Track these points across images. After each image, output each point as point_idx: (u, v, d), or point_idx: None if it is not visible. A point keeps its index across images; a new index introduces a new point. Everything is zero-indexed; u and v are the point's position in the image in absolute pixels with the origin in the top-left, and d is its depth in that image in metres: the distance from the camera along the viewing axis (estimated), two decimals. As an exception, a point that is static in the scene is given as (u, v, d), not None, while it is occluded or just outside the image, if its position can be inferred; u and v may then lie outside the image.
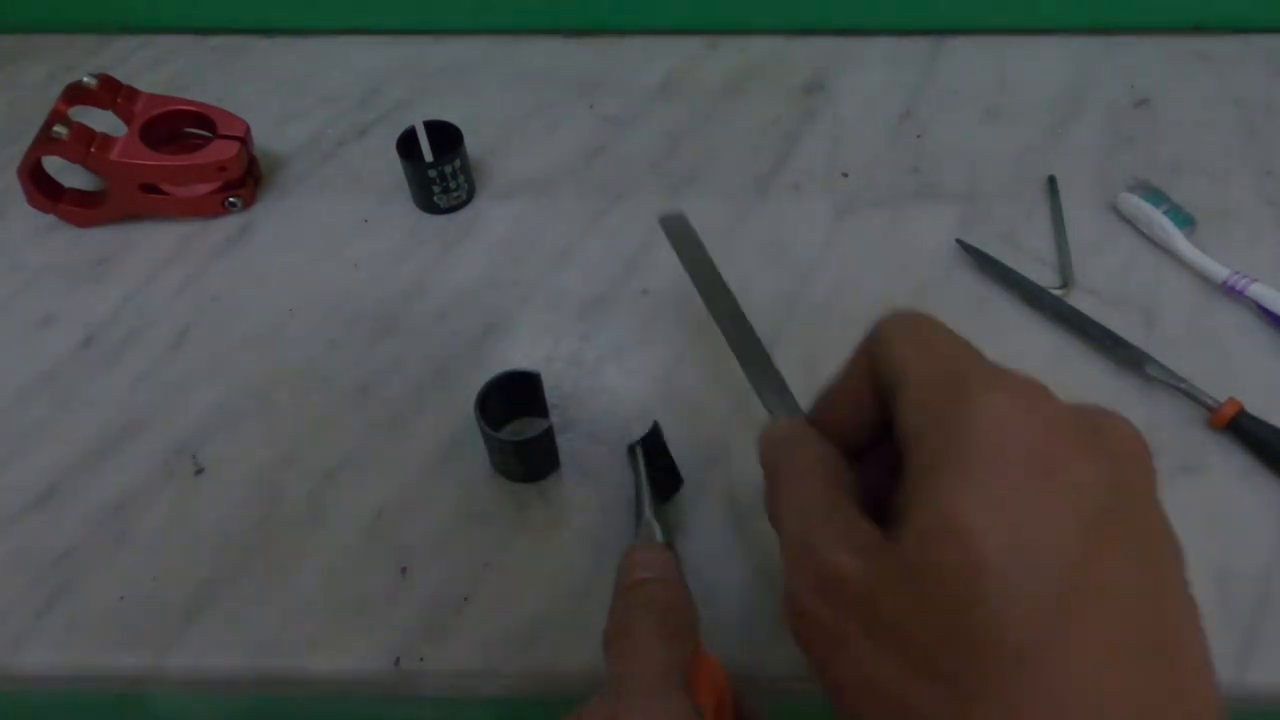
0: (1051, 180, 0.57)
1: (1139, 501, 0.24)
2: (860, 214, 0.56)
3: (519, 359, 0.49)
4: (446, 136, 0.56)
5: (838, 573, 0.25)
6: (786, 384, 0.36)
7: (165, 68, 0.66)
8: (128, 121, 0.55)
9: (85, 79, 0.55)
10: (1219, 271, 0.50)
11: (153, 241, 0.55)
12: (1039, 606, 0.21)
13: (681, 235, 0.43)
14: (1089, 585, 0.22)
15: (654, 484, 0.42)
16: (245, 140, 0.56)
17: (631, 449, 0.43)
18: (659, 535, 0.39)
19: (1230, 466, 0.44)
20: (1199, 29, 0.66)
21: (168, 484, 0.45)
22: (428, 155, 0.56)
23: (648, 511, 0.40)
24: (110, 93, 0.56)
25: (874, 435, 0.29)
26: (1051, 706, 0.21)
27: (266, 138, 0.60)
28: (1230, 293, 0.50)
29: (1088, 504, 0.22)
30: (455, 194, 0.56)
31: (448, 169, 0.54)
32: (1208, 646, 0.23)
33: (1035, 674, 0.21)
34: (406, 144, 0.55)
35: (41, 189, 0.55)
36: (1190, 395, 0.46)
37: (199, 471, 0.45)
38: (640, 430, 0.44)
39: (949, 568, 0.22)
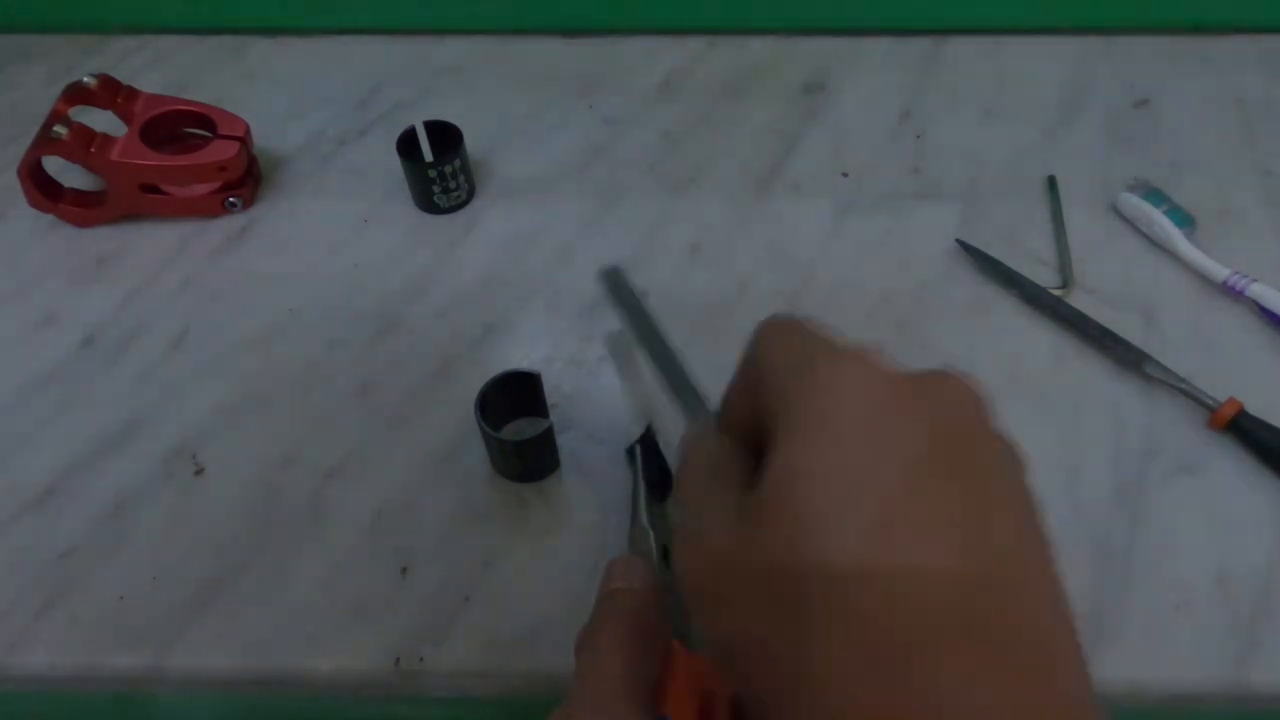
0: (1051, 180, 0.57)
1: (963, 443, 0.26)
2: (860, 214, 0.56)
3: (519, 359, 0.49)
4: (446, 136, 0.56)
5: (704, 534, 0.28)
6: (699, 391, 0.38)
7: (165, 68, 0.66)
8: (128, 121, 0.55)
9: (85, 79, 0.55)
10: (1219, 271, 0.50)
11: (153, 241, 0.55)
12: (860, 535, 0.24)
13: (618, 288, 0.45)
14: (908, 516, 0.24)
15: (650, 486, 0.41)
16: (245, 140, 0.56)
17: (630, 450, 0.43)
18: (652, 541, 0.39)
19: (1230, 466, 0.44)
20: (1199, 29, 0.66)
21: (168, 484, 0.45)
22: (428, 155, 0.56)
23: (643, 517, 0.40)
24: (110, 93, 0.56)
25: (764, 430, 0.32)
26: (876, 622, 0.23)
27: (266, 138, 0.60)
28: (1230, 293, 0.50)
29: (907, 448, 0.25)
30: (455, 194, 0.56)
31: (448, 169, 0.54)
32: (1045, 567, 0.25)
33: (859, 593, 0.23)
34: (406, 144, 0.55)
35: (41, 189, 0.55)
36: (1190, 395, 0.46)
37: (199, 471, 0.45)
38: (637, 431, 0.44)
39: (785, 510, 0.25)
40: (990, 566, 0.24)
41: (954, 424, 0.26)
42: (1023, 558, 0.25)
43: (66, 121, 0.53)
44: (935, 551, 0.24)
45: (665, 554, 0.39)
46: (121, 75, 0.57)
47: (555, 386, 0.48)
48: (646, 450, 0.43)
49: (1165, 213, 0.53)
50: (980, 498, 0.25)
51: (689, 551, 0.29)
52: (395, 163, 0.55)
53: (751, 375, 0.31)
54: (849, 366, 0.27)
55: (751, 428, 0.31)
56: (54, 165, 0.54)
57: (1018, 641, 0.24)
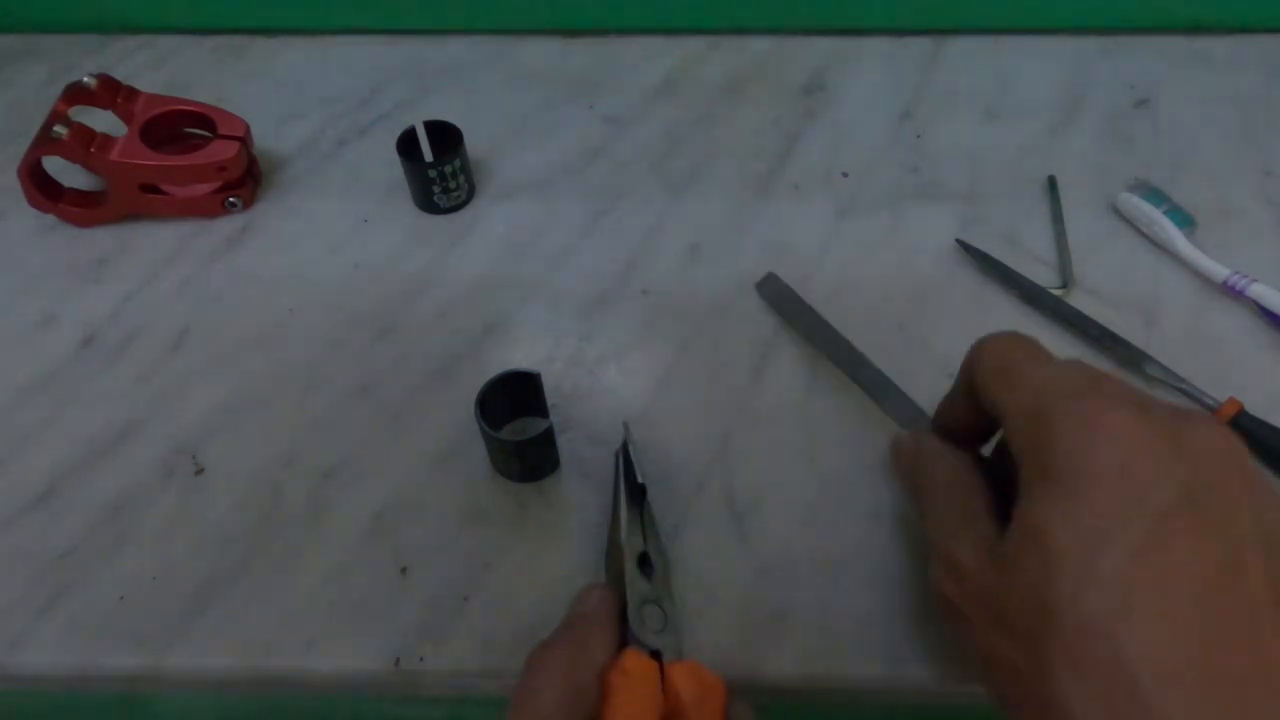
0: (1051, 180, 0.57)
1: (1215, 496, 0.27)
2: (860, 214, 0.56)
3: (519, 359, 0.49)
4: (446, 136, 0.56)
5: (962, 567, 0.31)
6: (905, 394, 0.44)
7: (165, 68, 0.66)
8: (128, 121, 0.55)
9: (85, 79, 0.55)
10: (1219, 271, 0.50)
11: (153, 241, 0.55)
12: (1103, 586, 0.26)
13: (780, 295, 0.50)
14: (1152, 570, 0.26)
15: (628, 492, 0.41)
16: (245, 140, 0.56)
17: (618, 453, 0.43)
18: (625, 558, 0.38)
19: (1230, 466, 0.44)
20: (1199, 29, 0.66)
21: (168, 484, 0.45)
22: (428, 155, 0.56)
23: (621, 532, 0.39)
24: (110, 93, 0.56)
25: (989, 432, 0.36)
26: (1111, 667, 0.25)
27: (266, 138, 0.60)
28: (1230, 293, 0.50)
29: (1157, 499, 0.27)
30: (455, 194, 0.56)
31: (448, 169, 0.54)
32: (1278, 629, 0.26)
33: (1098, 640, 0.26)
34: (406, 144, 0.55)
35: (41, 189, 0.55)
36: (1190, 395, 0.46)
37: (199, 471, 0.45)
38: (636, 431, 0.44)
39: (1033, 564, 0.28)
40: (1223, 625, 0.25)
41: (1206, 476, 0.27)
42: (1258, 627, 0.26)
43: (66, 121, 0.53)
44: (1172, 612, 0.25)
45: (643, 560, 0.39)
46: (121, 75, 0.57)
47: (555, 386, 0.48)
48: (626, 456, 0.42)
49: (1165, 213, 0.53)
50: (1223, 561, 0.26)
51: (946, 580, 0.32)
52: (395, 163, 0.55)
53: (981, 404, 0.34)
54: (1100, 406, 0.29)
55: (979, 436, 0.35)
56: (54, 165, 0.54)
57: (1248, 694, 0.25)
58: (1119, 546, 0.26)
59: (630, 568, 0.38)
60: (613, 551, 0.40)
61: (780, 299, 0.50)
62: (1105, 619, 0.26)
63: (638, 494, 0.41)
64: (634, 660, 0.34)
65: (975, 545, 0.31)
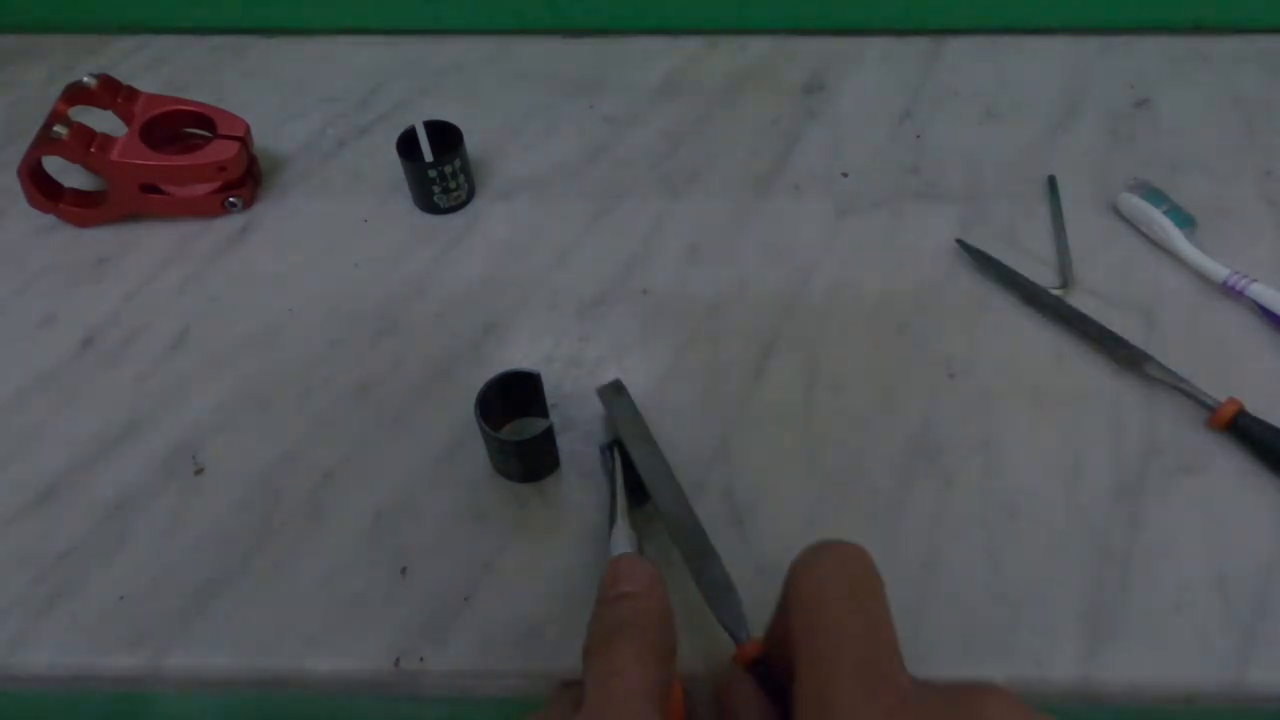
0: (1051, 180, 0.57)
1: None
2: (860, 214, 0.56)
3: (519, 359, 0.49)
4: (446, 136, 0.56)
5: None
6: (739, 605, 0.38)
7: (165, 68, 0.66)
8: (128, 121, 0.55)
9: (85, 79, 0.55)
10: (1219, 271, 0.50)
11: (153, 241, 0.55)
12: None
13: (617, 404, 0.45)
14: None
15: (628, 488, 0.41)
16: (245, 140, 0.56)
17: (605, 449, 0.43)
18: (634, 541, 0.38)
19: (1230, 467, 0.44)
20: (1199, 29, 0.66)
21: (168, 484, 0.45)
22: (428, 155, 0.56)
23: (624, 519, 0.39)
24: (110, 93, 0.56)
25: None
26: None
27: (266, 138, 0.60)
28: (1230, 293, 0.50)
29: None
30: (455, 194, 0.56)
31: (448, 169, 0.54)
32: None
33: None
34: (406, 144, 0.55)
35: (41, 189, 0.55)
36: (1190, 395, 0.46)
37: (199, 471, 0.45)
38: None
39: None
40: None
41: None
42: None
43: (66, 121, 0.53)
44: None
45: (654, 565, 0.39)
46: (121, 75, 0.57)
47: (555, 386, 0.48)
48: (625, 457, 0.42)
49: (1165, 213, 0.53)
50: None
51: None
52: (395, 163, 0.55)
53: (787, 620, 0.31)
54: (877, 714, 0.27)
55: (785, 666, 0.31)
56: (54, 165, 0.54)
57: None
58: None
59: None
60: (619, 537, 0.39)
61: (618, 409, 0.45)
62: None
63: (640, 494, 0.41)
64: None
65: None
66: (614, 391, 0.45)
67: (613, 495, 0.41)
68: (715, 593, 0.38)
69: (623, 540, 0.38)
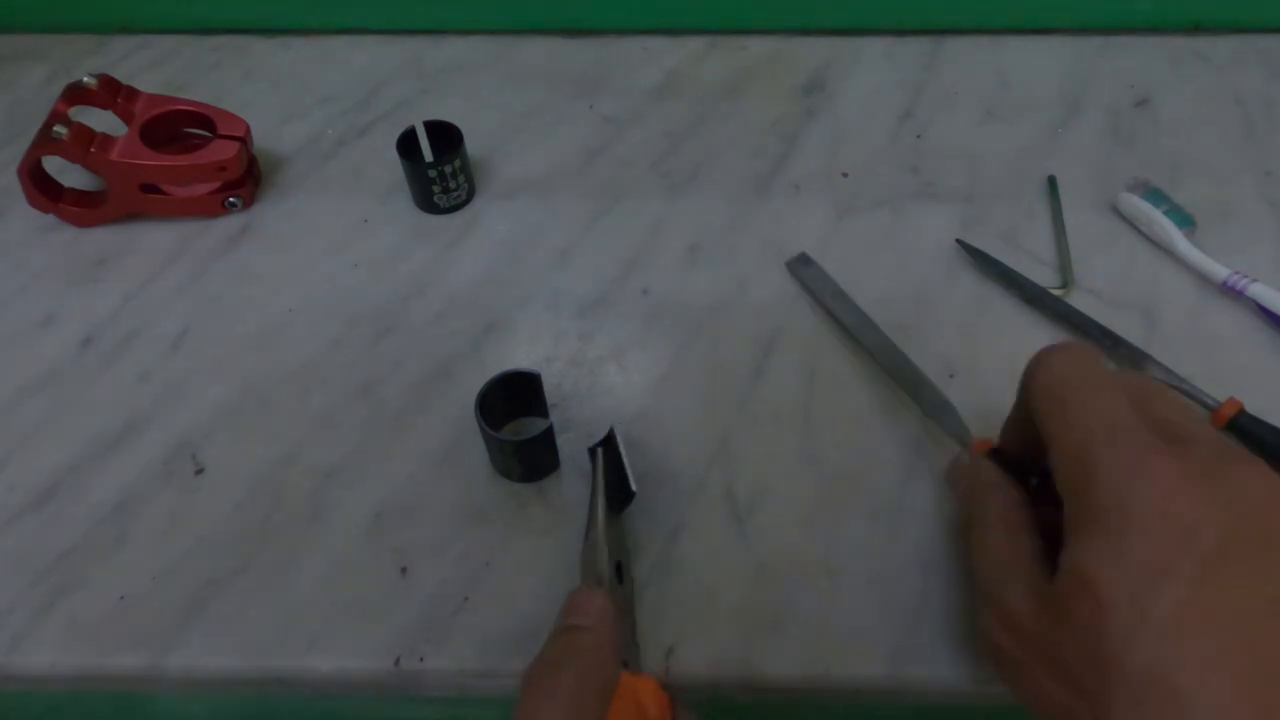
0: (1051, 180, 0.57)
1: (1259, 536, 0.28)
2: (860, 214, 0.56)
3: (519, 359, 0.49)
4: (446, 136, 0.56)
5: (1013, 616, 0.32)
6: (957, 412, 0.43)
7: (165, 68, 0.66)
8: (128, 121, 0.55)
9: (85, 79, 0.55)
10: (1219, 271, 0.50)
11: (153, 241, 0.55)
12: (1152, 634, 0.26)
13: (811, 275, 0.51)
14: (1202, 613, 0.26)
15: (608, 495, 0.40)
16: (245, 140, 0.56)
17: (592, 451, 0.42)
18: (605, 558, 0.37)
19: (1230, 466, 0.44)
20: (1199, 29, 0.66)
21: (168, 484, 0.45)
22: (428, 155, 0.56)
23: (597, 530, 0.38)
24: (110, 93, 0.56)
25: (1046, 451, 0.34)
26: (1169, 713, 0.26)
27: (266, 138, 0.60)
28: (1230, 293, 0.50)
29: (1200, 545, 0.27)
30: (455, 194, 0.56)
31: (448, 169, 0.54)
32: None
33: (1154, 688, 0.26)
34: (406, 144, 0.55)
35: (41, 189, 0.55)
36: (1190, 395, 0.46)
37: (199, 471, 0.45)
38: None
39: (1084, 612, 0.28)
40: (1277, 663, 0.26)
41: (1249, 516, 0.28)
42: None
43: (66, 121, 0.53)
44: (1225, 655, 0.26)
45: (619, 570, 0.39)
46: (121, 75, 0.57)
47: (555, 386, 0.48)
48: (609, 456, 0.41)
49: (1165, 213, 0.53)
50: (1272, 598, 0.27)
51: (998, 629, 0.32)
52: (395, 163, 0.55)
53: (1029, 408, 0.34)
54: (1142, 448, 0.29)
55: (1041, 453, 0.33)
56: (54, 165, 0.54)
57: None
58: (1167, 592, 0.27)
59: (609, 577, 0.37)
60: (590, 554, 0.38)
61: (811, 279, 0.51)
62: (1160, 665, 0.26)
63: (620, 501, 0.41)
64: (644, 687, 0.34)
65: (1026, 592, 0.31)
66: (803, 263, 0.52)
67: (592, 506, 0.40)
68: (936, 410, 0.44)
69: (591, 558, 0.38)
